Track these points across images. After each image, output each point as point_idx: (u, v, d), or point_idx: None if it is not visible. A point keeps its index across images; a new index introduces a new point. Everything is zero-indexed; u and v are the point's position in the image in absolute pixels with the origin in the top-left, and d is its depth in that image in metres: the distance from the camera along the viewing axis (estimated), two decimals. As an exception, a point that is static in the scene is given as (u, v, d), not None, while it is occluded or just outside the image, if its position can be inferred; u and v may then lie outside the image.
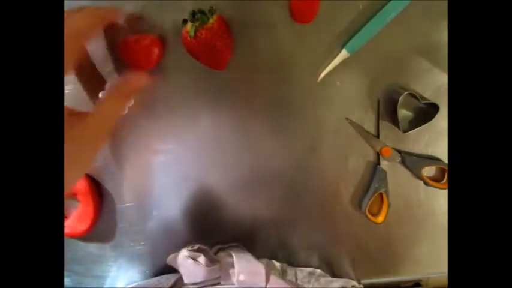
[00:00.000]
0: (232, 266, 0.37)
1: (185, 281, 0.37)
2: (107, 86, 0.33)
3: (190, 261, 0.36)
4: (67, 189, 0.26)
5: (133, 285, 0.42)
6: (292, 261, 0.45)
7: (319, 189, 0.43)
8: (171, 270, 0.41)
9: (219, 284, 0.37)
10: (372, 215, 0.44)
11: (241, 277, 0.37)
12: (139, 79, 0.32)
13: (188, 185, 0.42)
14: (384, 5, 0.36)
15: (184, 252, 0.37)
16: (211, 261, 0.37)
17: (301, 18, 0.36)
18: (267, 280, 0.37)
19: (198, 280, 0.36)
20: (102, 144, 0.29)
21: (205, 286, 0.36)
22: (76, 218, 0.40)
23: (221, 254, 0.39)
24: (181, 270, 0.36)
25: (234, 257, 0.38)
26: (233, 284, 0.37)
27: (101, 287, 0.45)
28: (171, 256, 0.37)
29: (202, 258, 0.36)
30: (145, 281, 0.42)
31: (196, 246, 0.39)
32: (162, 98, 0.38)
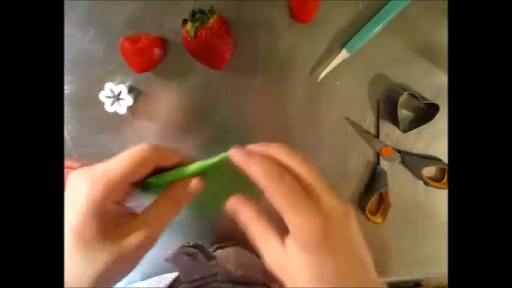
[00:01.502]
0: (229, 261, 0.37)
1: (182, 279, 0.37)
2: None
3: (186, 257, 0.36)
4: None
5: (134, 285, 0.42)
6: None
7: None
8: (171, 270, 0.41)
9: (216, 281, 0.37)
10: (372, 215, 0.44)
11: (239, 272, 0.36)
12: (193, 186, 0.30)
13: (188, 185, 0.42)
14: (383, 5, 0.36)
15: (180, 249, 0.37)
16: (208, 257, 0.37)
17: (301, 18, 0.36)
18: (265, 275, 0.37)
19: (195, 277, 0.36)
20: (148, 248, 0.27)
21: (203, 284, 0.36)
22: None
23: (219, 252, 0.39)
24: (178, 267, 0.36)
25: (231, 252, 0.38)
26: (231, 281, 0.37)
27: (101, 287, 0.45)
28: (168, 253, 0.37)
29: (198, 255, 0.36)
30: (145, 281, 0.42)
31: (192, 243, 0.39)
32: (162, 98, 0.38)
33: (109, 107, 0.36)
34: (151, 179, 0.33)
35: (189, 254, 0.36)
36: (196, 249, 0.37)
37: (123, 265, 0.26)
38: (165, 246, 0.38)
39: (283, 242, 0.25)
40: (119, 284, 0.44)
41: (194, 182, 0.30)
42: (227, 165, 0.31)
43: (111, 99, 0.36)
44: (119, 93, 0.36)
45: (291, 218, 0.24)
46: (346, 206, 0.25)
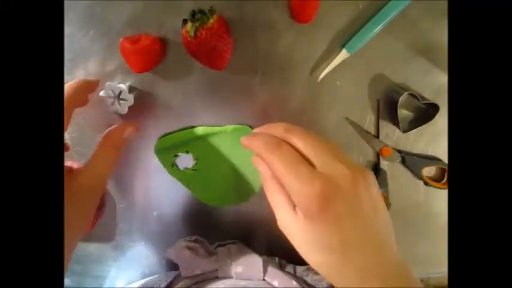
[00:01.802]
0: (230, 258, 0.37)
1: (183, 274, 0.37)
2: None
3: (187, 251, 0.36)
4: (70, 251, 0.27)
5: (134, 284, 0.42)
6: (291, 261, 0.45)
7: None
8: (171, 269, 0.41)
9: (217, 277, 0.37)
10: (372, 215, 0.44)
11: (239, 269, 0.37)
12: (126, 130, 0.32)
13: (188, 185, 0.42)
14: (384, 5, 0.36)
15: (181, 243, 0.37)
16: (209, 253, 0.37)
17: (301, 18, 0.36)
18: (265, 271, 0.37)
19: (196, 272, 0.36)
20: (98, 197, 0.29)
21: (203, 280, 0.36)
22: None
23: (219, 249, 0.40)
24: (179, 261, 0.36)
25: (231, 249, 0.38)
26: (231, 277, 0.37)
27: (101, 287, 0.45)
28: (169, 249, 0.37)
29: (199, 249, 0.36)
30: (146, 279, 0.42)
31: (193, 238, 0.39)
32: (162, 98, 0.38)
33: (109, 107, 0.36)
34: (161, 139, 0.37)
35: (189, 248, 0.36)
36: (197, 244, 0.37)
37: (77, 223, 0.27)
38: (166, 247, 0.38)
39: (295, 207, 0.25)
40: (119, 284, 0.45)
41: (128, 128, 0.33)
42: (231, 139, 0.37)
43: (111, 99, 0.36)
44: (119, 93, 0.36)
45: (290, 185, 0.24)
46: (354, 173, 0.24)
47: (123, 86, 0.36)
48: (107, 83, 0.36)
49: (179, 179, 0.40)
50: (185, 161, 0.39)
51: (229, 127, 0.38)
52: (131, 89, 0.37)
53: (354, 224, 0.24)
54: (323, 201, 0.23)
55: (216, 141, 0.38)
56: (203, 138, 0.38)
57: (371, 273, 0.24)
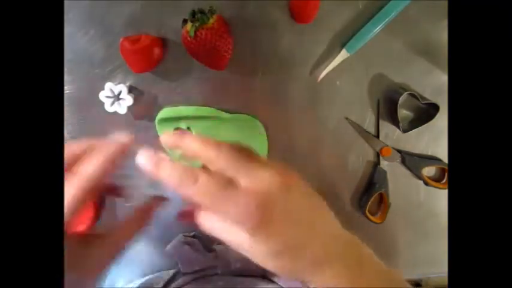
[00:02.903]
0: (228, 254, 0.37)
1: (182, 270, 0.37)
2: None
3: (186, 247, 0.36)
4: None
5: (134, 283, 0.42)
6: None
7: (319, 189, 0.43)
8: (170, 269, 0.41)
9: (217, 274, 0.37)
10: (372, 215, 0.44)
11: (238, 264, 0.37)
12: (156, 204, 0.29)
13: (188, 185, 0.42)
14: (384, 5, 0.36)
15: (180, 238, 0.37)
16: (208, 249, 0.37)
17: (301, 18, 0.36)
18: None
19: (195, 268, 0.36)
20: (108, 264, 0.26)
21: (202, 277, 0.36)
22: (76, 218, 0.39)
23: (218, 246, 0.40)
24: (178, 257, 0.36)
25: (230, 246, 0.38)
26: (230, 274, 0.37)
27: (101, 287, 0.45)
28: (168, 246, 0.37)
29: (198, 245, 0.36)
30: (143, 279, 0.42)
31: (192, 233, 0.39)
32: (162, 98, 0.38)
33: (109, 107, 0.36)
34: (165, 110, 0.37)
35: (188, 244, 0.36)
36: (195, 239, 0.37)
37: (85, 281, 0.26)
38: (165, 246, 0.38)
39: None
40: (118, 284, 0.45)
41: (158, 200, 0.29)
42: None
43: (111, 99, 0.36)
44: (119, 93, 0.36)
45: (222, 211, 0.22)
46: (280, 178, 0.23)
47: (123, 86, 0.36)
48: (107, 83, 0.36)
49: (175, 157, 0.39)
50: None
51: (234, 115, 0.38)
52: (131, 89, 0.37)
53: (292, 228, 0.23)
54: (260, 215, 0.21)
55: (218, 124, 0.37)
56: (206, 118, 0.37)
57: (324, 260, 0.24)
